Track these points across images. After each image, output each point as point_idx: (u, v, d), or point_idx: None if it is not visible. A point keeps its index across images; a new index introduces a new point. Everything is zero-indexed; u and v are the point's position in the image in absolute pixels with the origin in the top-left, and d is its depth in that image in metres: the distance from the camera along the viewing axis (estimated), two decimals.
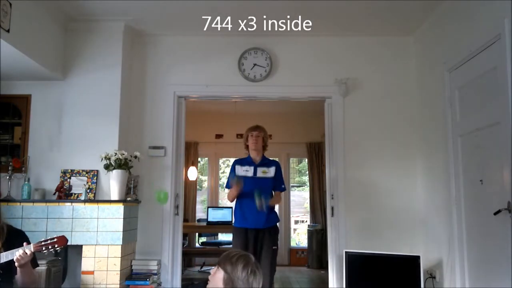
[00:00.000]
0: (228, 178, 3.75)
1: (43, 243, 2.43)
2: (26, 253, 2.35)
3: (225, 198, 9.17)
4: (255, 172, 3.68)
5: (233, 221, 6.45)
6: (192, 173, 7.37)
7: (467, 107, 3.34)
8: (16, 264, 2.36)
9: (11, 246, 2.43)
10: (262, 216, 3.53)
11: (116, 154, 3.75)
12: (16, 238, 2.54)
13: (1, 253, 2.39)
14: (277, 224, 3.72)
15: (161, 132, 4.28)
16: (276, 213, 3.75)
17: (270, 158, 3.87)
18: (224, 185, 3.79)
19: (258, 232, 3.57)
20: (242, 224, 3.62)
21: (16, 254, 2.35)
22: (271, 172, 3.70)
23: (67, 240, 2.53)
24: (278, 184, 3.75)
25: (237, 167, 3.73)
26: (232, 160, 8.63)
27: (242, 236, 3.56)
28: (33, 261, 2.57)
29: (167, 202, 4.17)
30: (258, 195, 3.45)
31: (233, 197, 3.65)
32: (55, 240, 2.46)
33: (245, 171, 3.69)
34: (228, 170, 9.26)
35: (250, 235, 3.56)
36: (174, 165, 4.25)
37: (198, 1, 3.71)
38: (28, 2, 3.43)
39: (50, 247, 2.44)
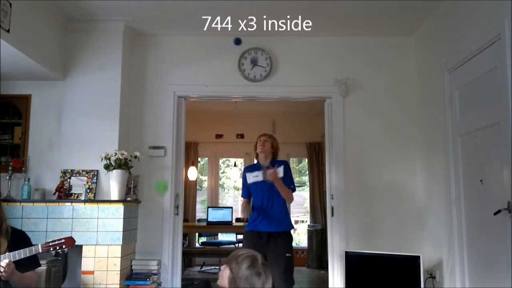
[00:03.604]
0: (243, 187, 3.71)
1: (51, 244, 2.44)
2: (3, 266, 2.28)
3: (225, 198, 9.18)
4: (265, 175, 3.54)
5: (233, 222, 6.52)
6: (192, 173, 7.37)
7: (467, 107, 3.34)
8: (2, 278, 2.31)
9: (14, 247, 2.43)
10: (275, 217, 3.44)
11: (116, 154, 3.75)
12: (19, 239, 2.54)
13: (3, 254, 2.39)
14: (291, 231, 3.57)
15: (161, 132, 4.28)
16: (290, 218, 3.62)
17: (278, 159, 3.72)
18: (240, 194, 3.71)
19: (269, 236, 3.39)
20: (253, 227, 3.48)
21: None
22: (280, 172, 3.53)
23: (74, 241, 2.54)
24: (287, 184, 3.56)
25: (248, 175, 3.64)
26: (232, 160, 8.66)
27: (254, 242, 3.39)
28: (34, 262, 2.57)
29: (167, 191, 4.14)
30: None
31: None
32: (62, 241, 2.46)
33: (255, 176, 3.60)
34: (228, 170, 9.29)
35: (262, 240, 3.40)
36: (174, 165, 4.25)
37: (198, 1, 3.71)
38: (28, 2, 3.43)
39: (58, 247, 2.45)
